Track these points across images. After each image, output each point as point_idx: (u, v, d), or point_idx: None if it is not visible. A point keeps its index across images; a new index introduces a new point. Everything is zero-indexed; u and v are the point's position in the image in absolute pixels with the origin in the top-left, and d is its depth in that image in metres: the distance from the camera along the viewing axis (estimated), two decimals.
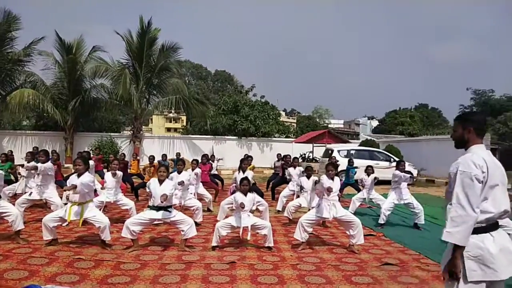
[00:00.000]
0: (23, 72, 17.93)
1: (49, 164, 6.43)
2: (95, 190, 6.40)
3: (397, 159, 15.43)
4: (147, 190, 5.30)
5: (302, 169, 8.93)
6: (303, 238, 5.38)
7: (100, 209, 6.52)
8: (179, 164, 7.16)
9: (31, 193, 6.42)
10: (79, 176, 5.14)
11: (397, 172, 7.21)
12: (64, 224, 6.28)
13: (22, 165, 7.83)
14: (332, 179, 5.52)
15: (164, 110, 20.80)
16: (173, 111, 61.41)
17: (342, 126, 61.12)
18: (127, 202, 6.80)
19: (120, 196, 6.83)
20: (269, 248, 5.30)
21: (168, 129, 62.80)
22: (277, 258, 4.95)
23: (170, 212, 5.19)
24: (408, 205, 7.15)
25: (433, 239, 6.23)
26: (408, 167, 12.58)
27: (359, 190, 9.07)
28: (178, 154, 13.45)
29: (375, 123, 59.83)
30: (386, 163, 14.86)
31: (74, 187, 4.87)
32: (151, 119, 65.30)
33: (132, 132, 19.65)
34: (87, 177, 5.11)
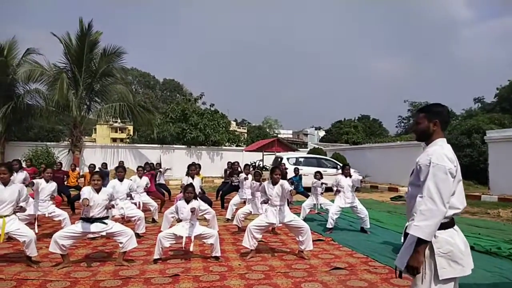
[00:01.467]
0: None
1: None
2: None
3: None
4: (80, 201, 4.80)
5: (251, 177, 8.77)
6: (251, 246, 5.18)
7: (34, 224, 5.89)
8: (119, 171, 6.67)
9: None
10: (5, 185, 4.55)
11: (342, 176, 7.31)
12: None
13: None
14: (276, 183, 5.38)
15: (107, 118, 19.59)
16: (118, 121, 59.09)
17: (291, 136, 62.34)
18: (60, 213, 6.17)
19: (53, 208, 6.18)
20: (216, 258, 5.03)
21: (114, 140, 60.07)
22: (225, 268, 4.69)
23: (106, 224, 4.74)
24: (353, 209, 7.23)
25: (380, 242, 6.33)
26: (353, 173, 12.96)
27: (307, 197, 9.09)
28: (121, 163, 12.68)
29: (322, 133, 61.72)
30: (333, 170, 15.18)
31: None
32: (95, 129, 62.09)
33: (70, 141, 18.27)
34: (15, 186, 4.55)
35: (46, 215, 6.11)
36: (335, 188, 7.36)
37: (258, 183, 7.12)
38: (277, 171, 5.44)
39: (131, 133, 37.81)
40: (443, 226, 2.16)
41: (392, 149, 19.01)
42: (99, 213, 4.71)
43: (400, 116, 51.31)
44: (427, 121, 2.37)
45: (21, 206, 4.74)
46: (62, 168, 10.73)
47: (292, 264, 4.92)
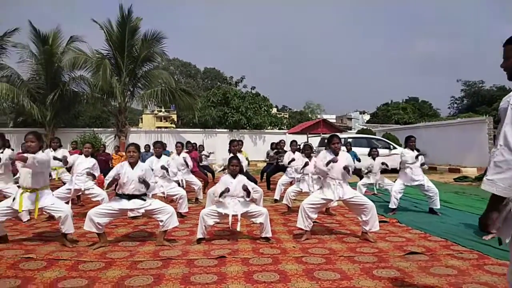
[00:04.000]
0: None
1: (7, 151, 5.44)
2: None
3: (397, 146, 14.67)
4: (115, 175, 4.35)
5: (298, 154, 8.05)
6: (306, 227, 4.49)
7: (68, 200, 5.60)
8: (157, 146, 6.22)
9: None
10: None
11: (407, 150, 6.37)
12: (25, 220, 5.37)
13: None
14: (337, 154, 4.64)
15: (150, 105, 19.55)
16: (162, 110, 60.39)
17: (334, 120, 60.36)
18: (99, 192, 5.83)
19: (91, 184, 5.86)
20: (267, 239, 4.40)
21: (159, 128, 61.73)
22: (277, 251, 4.05)
23: (144, 200, 4.26)
24: (421, 187, 6.29)
25: (455, 223, 5.40)
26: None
27: (361, 177, 8.26)
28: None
29: (367, 117, 59.27)
30: (386, 151, 14.04)
31: (23, 158, 3.87)
32: (141, 118, 64.02)
33: (116, 126, 18.49)
34: (41, 154, 4.15)
35: (83, 189, 5.79)
36: (399, 166, 6.48)
37: (308, 161, 6.40)
38: (336, 139, 4.69)
39: (175, 120, 38.24)
40: None
41: (452, 127, 17.34)
42: (135, 189, 4.23)
43: (453, 97, 47.79)
44: None
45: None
46: (106, 151, 10.65)
47: (356, 248, 4.18)
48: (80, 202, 7.15)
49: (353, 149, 11.52)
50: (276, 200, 7.42)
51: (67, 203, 5.42)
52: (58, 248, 4.09)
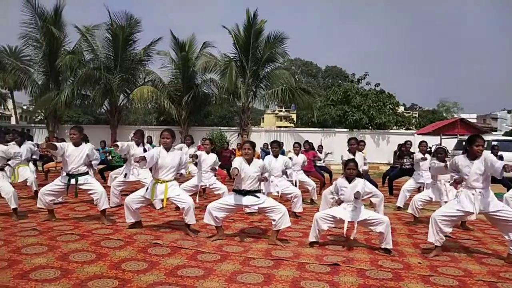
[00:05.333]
0: (143, 71, 19.35)
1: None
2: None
3: None
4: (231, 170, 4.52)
5: (429, 157, 7.17)
6: (437, 241, 3.90)
7: (196, 192, 6.11)
8: (274, 146, 6.27)
9: (126, 174, 6.29)
10: (167, 151, 4.65)
11: None
12: (158, 208, 6.00)
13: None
14: (475, 158, 3.91)
15: (271, 104, 20.22)
16: (283, 109, 62.13)
17: (475, 120, 52.76)
18: (221, 187, 6.20)
19: (214, 180, 6.27)
20: (387, 250, 3.98)
21: (279, 127, 63.77)
22: (399, 265, 3.61)
23: (258, 197, 4.30)
24: None
25: None
26: None
27: (509, 188, 6.93)
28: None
29: None
30: None
31: (142, 158, 4.32)
32: (263, 118, 66.97)
33: (240, 125, 19.69)
34: (177, 152, 4.61)
35: (207, 186, 6.23)
36: None
37: (441, 163, 5.62)
38: (480, 141, 3.96)
39: (295, 119, 38.87)
40: None
41: None
42: (251, 185, 4.31)
43: None
44: None
45: (181, 173, 4.79)
46: (229, 148, 11.34)
47: (500, 272, 3.45)
48: (205, 195, 7.71)
49: (500, 153, 9.79)
50: (399, 208, 6.74)
51: (194, 195, 5.92)
52: (182, 237, 4.43)
